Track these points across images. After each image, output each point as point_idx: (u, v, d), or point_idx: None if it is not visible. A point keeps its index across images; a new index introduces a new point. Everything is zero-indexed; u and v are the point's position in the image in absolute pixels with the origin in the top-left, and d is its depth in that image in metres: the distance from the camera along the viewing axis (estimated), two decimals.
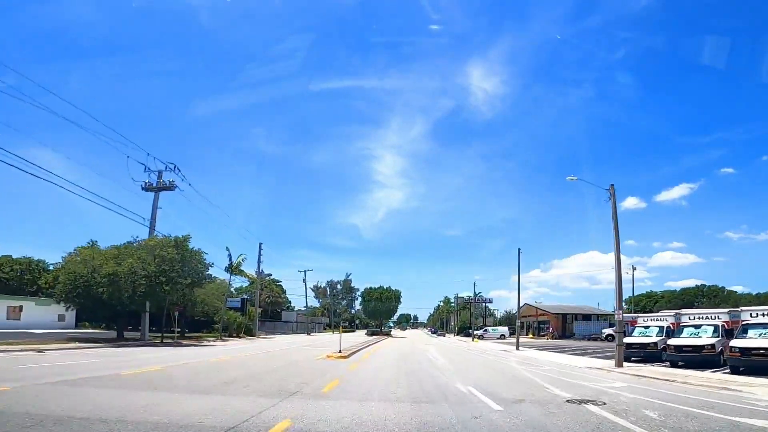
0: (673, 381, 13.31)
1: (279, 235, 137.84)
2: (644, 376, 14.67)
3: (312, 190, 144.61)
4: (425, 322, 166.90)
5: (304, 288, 71.31)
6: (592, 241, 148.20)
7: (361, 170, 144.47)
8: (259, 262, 54.28)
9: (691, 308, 51.37)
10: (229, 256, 42.19)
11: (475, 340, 53.95)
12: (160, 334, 30.77)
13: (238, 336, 44.38)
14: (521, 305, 69.23)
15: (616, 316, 18.54)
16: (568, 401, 8.41)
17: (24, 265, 46.99)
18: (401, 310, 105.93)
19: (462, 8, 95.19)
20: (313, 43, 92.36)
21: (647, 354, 19.81)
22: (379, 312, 77.74)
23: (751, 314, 18.65)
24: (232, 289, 62.54)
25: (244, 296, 62.74)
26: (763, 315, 18.06)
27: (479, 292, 74.72)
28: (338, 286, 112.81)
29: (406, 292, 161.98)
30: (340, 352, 19.37)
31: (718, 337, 17.13)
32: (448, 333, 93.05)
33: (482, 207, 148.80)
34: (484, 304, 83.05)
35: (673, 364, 17.64)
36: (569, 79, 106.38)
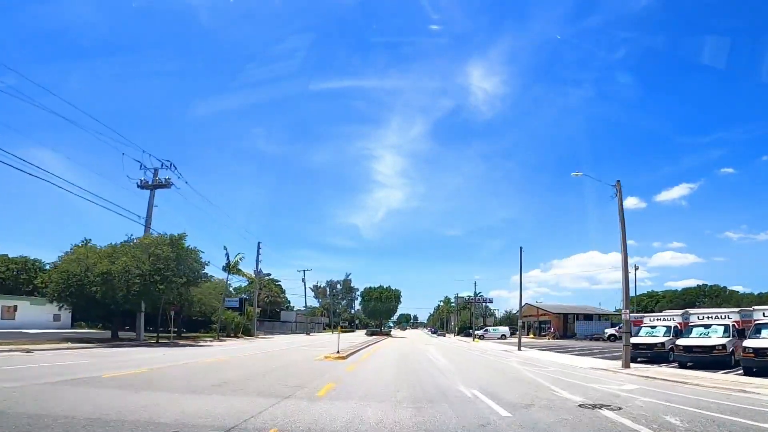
0: (685, 383, 12.75)
1: (279, 235, 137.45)
2: (654, 378, 14.11)
3: (312, 190, 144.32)
4: (425, 322, 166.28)
5: (304, 288, 70.80)
6: (592, 241, 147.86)
7: (361, 170, 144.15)
8: (257, 261, 53.73)
9: (693, 308, 50.91)
10: (227, 255, 41.68)
11: (476, 340, 53.40)
12: (155, 334, 30.20)
13: (236, 336, 43.82)
14: (522, 305, 68.77)
15: (623, 315, 17.98)
16: (580, 406, 7.85)
17: (20, 265, 46.46)
18: (401, 310, 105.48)
19: (462, 8, 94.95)
20: (313, 43, 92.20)
21: (654, 354, 19.23)
22: (378, 312, 77.15)
23: (764, 313, 18.08)
24: (231, 289, 62.12)
25: (243, 296, 62.20)
26: None
27: (479, 292, 74.30)
28: (338, 286, 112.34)
29: (406, 292, 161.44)
30: (338, 352, 18.80)
31: (728, 337, 16.57)
32: (448, 333, 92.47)
33: (482, 207, 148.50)
34: (484, 304, 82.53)
35: (682, 365, 17.08)
36: (569, 79, 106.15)
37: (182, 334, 39.38)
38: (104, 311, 29.14)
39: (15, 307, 38.00)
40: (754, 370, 13.90)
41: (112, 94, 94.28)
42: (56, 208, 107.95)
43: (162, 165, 31.81)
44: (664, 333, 20.13)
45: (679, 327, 21.00)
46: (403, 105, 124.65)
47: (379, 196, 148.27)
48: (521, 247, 34.14)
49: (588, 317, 64.60)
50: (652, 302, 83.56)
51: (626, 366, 17.25)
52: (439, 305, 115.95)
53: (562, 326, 62.63)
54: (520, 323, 36.31)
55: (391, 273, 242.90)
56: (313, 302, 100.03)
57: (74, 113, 34.43)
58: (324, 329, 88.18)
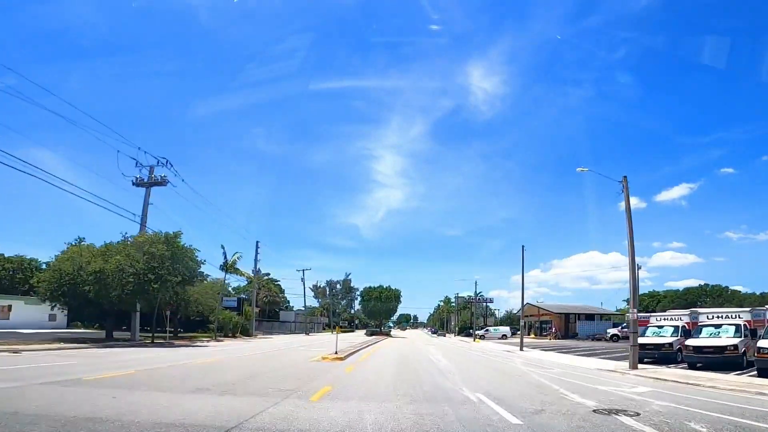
0: (698, 385, 12.19)
1: (279, 235, 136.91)
2: (665, 380, 13.55)
3: (312, 190, 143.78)
4: (425, 322, 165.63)
5: (303, 287, 70.23)
6: (592, 241, 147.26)
7: (361, 170, 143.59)
8: (256, 260, 53.19)
9: (695, 308, 50.27)
10: (224, 254, 41.09)
11: (477, 340, 52.84)
12: (151, 335, 29.64)
13: (233, 336, 43.26)
14: (523, 305, 68.19)
15: (630, 314, 17.42)
16: (594, 411, 7.28)
17: (16, 264, 45.92)
18: (401, 309, 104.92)
19: (462, 8, 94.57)
20: (313, 43, 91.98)
21: (662, 355, 18.67)
22: (378, 312, 76.58)
23: None
24: (230, 289, 61.55)
25: (242, 296, 61.61)
26: None
27: (480, 292, 73.68)
28: (338, 286, 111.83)
29: (406, 292, 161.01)
30: (336, 353, 18.20)
31: (740, 337, 16.00)
32: (448, 333, 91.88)
33: (482, 207, 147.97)
34: (484, 303, 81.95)
35: (692, 366, 16.52)
36: (569, 79, 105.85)
37: (179, 335, 38.80)
38: (98, 311, 28.53)
39: (9, 307, 37.43)
40: None
41: (112, 94, 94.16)
42: (55, 208, 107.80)
43: (158, 162, 31.20)
44: (672, 333, 19.56)
45: (687, 327, 20.44)
46: (403, 105, 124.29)
47: (379, 196, 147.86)
48: (523, 246, 33.64)
49: (589, 317, 64.04)
50: (653, 302, 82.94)
51: (634, 367, 16.70)
52: (439, 305, 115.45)
53: (564, 326, 62.04)
54: (522, 323, 35.71)
55: (391, 273, 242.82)
56: (313, 302, 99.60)
57: (71, 112, 34.43)
58: (324, 329, 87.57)
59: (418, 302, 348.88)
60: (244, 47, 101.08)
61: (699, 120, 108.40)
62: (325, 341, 36.57)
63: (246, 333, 47.71)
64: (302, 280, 68.26)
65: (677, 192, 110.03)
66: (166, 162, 31.26)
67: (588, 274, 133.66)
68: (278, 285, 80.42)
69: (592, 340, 49.88)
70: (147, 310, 30.26)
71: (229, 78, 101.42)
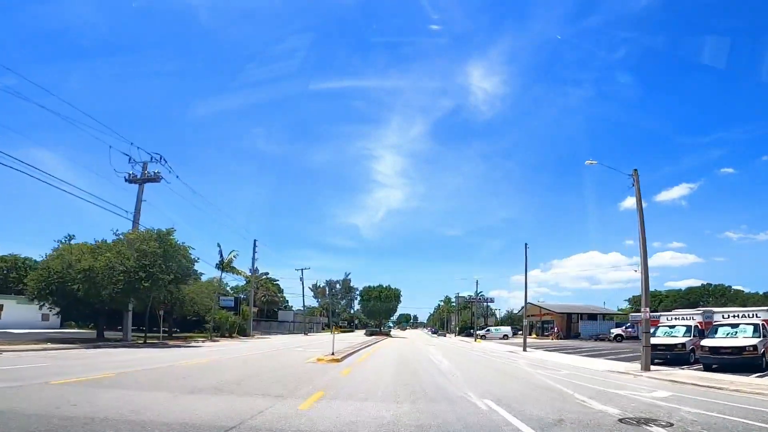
0: (721, 388, 11.36)
1: (279, 235, 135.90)
2: (683, 382, 12.71)
3: (312, 190, 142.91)
4: (425, 322, 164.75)
5: (302, 287, 69.40)
6: (591, 241, 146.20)
7: (361, 170, 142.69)
8: (253, 259, 52.43)
9: (696, 308, 49.48)
10: (220, 252, 40.23)
11: (478, 340, 52.01)
12: (143, 335, 28.82)
13: (230, 336, 42.42)
14: (524, 305, 67.28)
15: (642, 314, 16.59)
16: (620, 421, 6.44)
17: (9, 263, 45.12)
18: (401, 309, 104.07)
19: (462, 8, 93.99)
20: (313, 43, 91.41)
21: (674, 356, 17.82)
22: (378, 311, 75.70)
23: None
24: (228, 288, 60.69)
25: (241, 295, 60.74)
26: None
27: (480, 292, 72.79)
28: (337, 286, 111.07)
29: (406, 292, 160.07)
30: (332, 354, 17.34)
31: (759, 337, 15.16)
32: (448, 333, 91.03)
33: (482, 207, 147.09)
34: (485, 303, 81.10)
35: (707, 368, 15.68)
36: (569, 79, 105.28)
37: (173, 335, 37.96)
38: (89, 310, 27.70)
39: (1, 307, 36.60)
40: None
41: (112, 94, 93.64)
42: (52, 207, 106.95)
43: (151, 158, 30.37)
44: (684, 333, 18.72)
45: (700, 327, 19.60)
46: (403, 105, 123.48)
47: (379, 196, 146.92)
48: (526, 244, 32.82)
49: (592, 317, 63.18)
50: (655, 302, 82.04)
51: (646, 369, 15.87)
52: (439, 305, 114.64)
53: (566, 326, 61.18)
54: (525, 323, 34.84)
55: (391, 273, 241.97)
56: (312, 302, 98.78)
57: (67, 110, 33.55)
58: (323, 329, 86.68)
59: (418, 302, 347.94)
60: (244, 47, 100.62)
61: (699, 120, 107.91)
62: (324, 341, 35.68)
63: (243, 333, 46.88)
64: (301, 279, 67.56)
65: (677, 192, 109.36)
66: (160, 158, 30.45)
67: (588, 274, 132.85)
68: (277, 284, 79.53)
69: (596, 340, 49.01)
70: (140, 309, 29.43)
71: (229, 78, 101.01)
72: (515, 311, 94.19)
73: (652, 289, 64.55)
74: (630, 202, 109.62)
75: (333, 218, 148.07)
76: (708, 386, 11.89)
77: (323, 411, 6.59)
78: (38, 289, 24.15)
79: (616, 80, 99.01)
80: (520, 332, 66.75)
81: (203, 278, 42.94)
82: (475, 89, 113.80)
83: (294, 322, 75.58)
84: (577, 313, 63.42)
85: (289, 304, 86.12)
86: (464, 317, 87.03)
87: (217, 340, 35.78)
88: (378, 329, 74.35)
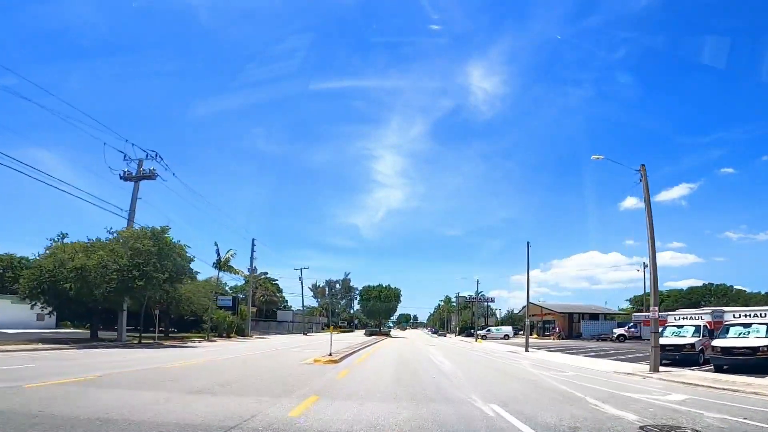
0: (737, 391, 10.81)
1: (279, 235, 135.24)
2: (696, 384, 12.15)
3: (312, 190, 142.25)
4: (425, 321, 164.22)
5: (301, 286, 68.85)
6: (592, 241, 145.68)
7: (361, 170, 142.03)
8: (252, 258, 51.91)
9: (699, 307, 48.94)
10: (217, 251, 39.64)
11: (479, 340, 51.47)
12: (138, 334, 28.25)
13: (228, 336, 41.86)
14: (525, 304, 66.63)
15: (651, 313, 16.03)
16: (642, 429, 5.88)
17: (5, 262, 44.47)
18: (401, 309, 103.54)
19: (462, 8, 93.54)
20: (313, 43, 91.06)
21: (682, 357, 17.26)
22: (378, 311, 75.11)
23: None
24: (227, 288, 60.11)
25: (239, 295, 60.13)
26: None
27: (481, 291, 72.20)
28: (337, 286, 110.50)
29: (406, 292, 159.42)
30: (330, 355, 16.77)
31: None
32: (448, 333, 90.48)
33: (482, 207, 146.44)
34: (486, 303, 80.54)
35: (718, 369, 15.14)
36: (569, 79, 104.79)
37: (170, 335, 37.41)
38: (82, 309, 27.14)
39: None
40: None
41: (112, 94, 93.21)
42: (52, 207, 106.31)
43: (147, 155, 29.84)
44: (693, 333, 18.16)
45: (709, 327, 19.04)
46: (403, 105, 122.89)
47: (379, 196, 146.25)
48: (528, 242, 32.19)
49: (593, 317, 62.58)
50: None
51: (655, 370, 15.31)
52: (439, 305, 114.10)
53: (567, 326, 60.62)
54: (527, 322, 34.28)
55: (391, 273, 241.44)
56: (312, 302, 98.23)
57: (62, 107, 32.69)
58: (322, 329, 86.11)
59: (418, 302, 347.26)
60: (244, 47, 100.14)
61: (699, 120, 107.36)
62: (322, 341, 35.11)
63: (241, 333, 46.33)
64: (300, 279, 67.01)
65: (677, 192, 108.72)
66: (156, 155, 29.91)
67: (588, 274, 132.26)
68: (276, 284, 78.94)
69: (598, 340, 48.47)
70: (135, 309, 28.87)
71: (229, 78, 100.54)
72: (515, 311, 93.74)
73: (646, 289, 64.04)
74: (630, 202, 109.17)
75: (333, 218, 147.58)
76: (723, 388, 11.34)
77: (315, 418, 6.02)
78: (30, 288, 23.58)
79: (616, 80, 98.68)
80: (521, 332, 66.24)
81: (201, 278, 42.46)
82: (475, 89, 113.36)
83: (293, 322, 75.00)
84: (579, 313, 62.84)
85: (289, 304, 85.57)
86: (464, 317, 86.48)
87: (215, 341, 35.23)
88: (378, 329, 73.76)
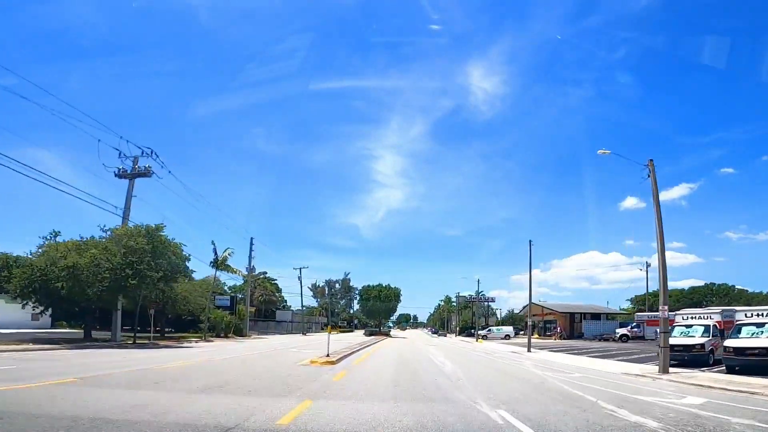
0: (755, 393, 10.26)
1: (279, 235, 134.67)
2: (710, 386, 11.59)
3: (312, 190, 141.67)
4: (425, 321, 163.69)
5: (300, 286, 68.29)
6: (591, 241, 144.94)
7: (361, 170, 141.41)
8: (250, 257, 51.33)
9: (701, 307, 48.35)
10: (214, 249, 39.07)
11: (479, 340, 50.93)
12: (132, 334, 27.69)
13: (226, 336, 41.30)
14: (526, 304, 66.00)
15: (660, 312, 15.48)
16: None
17: (1, 261, 43.94)
18: (401, 309, 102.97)
19: (462, 8, 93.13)
20: (313, 43, 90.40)
21: (692, 357, 16.70)
22: (377, 311, 74.53)
23: None
24: (225, 288, 59.53)
25: (238, 295, 59.59)
26: None
27: (481, 291, 71.64)
28: (337, 286, 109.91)
29: (406, 292, 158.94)
30: (327, 356, 16.20)
31: None
32: (449, 333, 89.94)
33: (482, 207, 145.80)
34: (486, 303, 80.00)
35: (730, 370, 14.58)
36: (569, 79, 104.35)
37: (167, 335, 36.88)
38: (75, 309, 26.56)
39: None
40: None
41: (112, 94, 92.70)
42: (52, 207, 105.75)
43: (142, 153, 29.28)
44: (703, 333, 17.59)
45: (719, 326, 18.49)
46: (403, 105, 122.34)
47: (379, 196, 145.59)
48: (530, 240, 31.66)
49: (595, 317, 62.02)
50: (657, 302, 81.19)
51: (664, 371, 14.75)
52: (439, 305, 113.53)
53: (569, 326, 60.05)
54: (529, 322, 33.74)
55: (391, 273, 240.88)
56: (312, 302, 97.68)
57: (64, 108, 32.11)
58: (322, 329, 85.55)
59: (418, 302, 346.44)
60: (244, 47, 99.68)
61: (699, 120, 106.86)
62: (321, 342, 34.57)
63: (240, 333, 45.79)
64: (299, 278, 66.34)
65: (677, 192, 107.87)
66: (151, 152, 29.37)
67: (588, 274, 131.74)
68: (275, 284, 78.33)
69: (600, 340, 47.91)
70: (130, 308, 28.34)
71: (229, 78, 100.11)
72: (516, 311, 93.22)
73: (654, 288, 63.63)
74: (630, 201, 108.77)
75: (333, 218, 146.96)
76: (739, 390, 10.78)
77: (306, 428, 5.45)
78: (21, 287, 23.04)
79: (616, 80, 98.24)
80: (522, 332, 65.70)
81: (199, 277, 41.93)
82: (475, 89, 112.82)
83: (292, 321, 74.45)
84: (580, 313, 62.26)
85: (288, 303, 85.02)
86: (465, 317, 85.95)
87: (212, 341, 34.69)
88: (377, 329, 73.20)
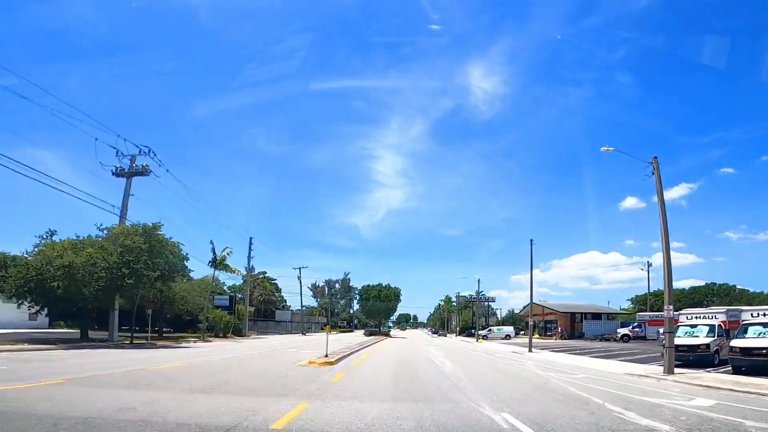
0: (765, 394, 10.01)
1: (279, 235, 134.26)
2: (717, 387, 11.32)
3: (312, 190, 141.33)
4: (425, 321, 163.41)
5: (299, 286, 67.98)
6: (591, 241, 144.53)
7: (361, 170, 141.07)
8: (249, 257, 51.04)
9: (701, 307, 48.01)
10: (213, 249, 38.78)
11: (480, 340, 50.65)
12: (129, 334, 27.40)
13: (224, 336, 41.01)
14: (526, 304, 65.72)
15: (665, 312, 15.21)
16: None
17: None
18: (401, 309, 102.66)
19: (462, 8, 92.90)
20: (313, 43, 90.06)
21: (696, 358, 16.43)
22: (377, 311, 74.21)
23: None
24: (225, 287, 59.26)
25: (238, 295, 59.30)
26: None
27: (482, 291, 71.36)
28: (336, 285, 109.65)
29: (406, 292, 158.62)
30: (326, 356, 15.91)
31: None
32: (449, 333, 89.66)
33: (482, 207, 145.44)
34: (487, 303, 79.74)
35: (736, 370, 14.33)
36: (569, 79, 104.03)
37: (165, 335, 36.61)
38: (71, 308, 26.29)
39: None
40: None
41: (112, 94, 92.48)
42: (52, 207, 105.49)
43: (140, 151, 28.99)
44: (708, 333, 17.31)
45: (723, 326, 18.21)
46: (403, 105, 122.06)
47: (378, 196, 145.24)
48: (531, 240, 31.38)
49: (596, 316, 61.74)
50: (658, 301, 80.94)
51: (670, 372, 14.49)
52: (439, 304, 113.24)
53: (569, 326, 59.77)
54: (530, 322, 33.45)
55: (391, 273, 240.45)
56: (312, 302, 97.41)
57: (63, 107, 31.93)
58: (322, 329, 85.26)
59: (418, 302, 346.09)
60: (244, 47, 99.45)
61: (699, 120, 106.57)
62: (320, 342, 34.26)
63: (239, 333, 45.51)
64: (299, 278, 66.09)
65: (677, 192, 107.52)
66: (149, 150, 29.09)
67: (588, 274, 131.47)
68: (274, 284, 78.02)
69: (601, 340, 47.62)
70: (128, 308, 28.06)
71: (229, 78, 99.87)
72: (516, 311, 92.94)
73: (655, 288, 63.39)
74: (630, 201, 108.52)
75: (333, 218, 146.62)
76: (748, 392, 10.52)
77: (304, 428, 5.17)
78: (16, 286, 22.77)
79: (616, 80, 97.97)
80: (522, 332, 65.43)
81: (198, 276, 41.67)
82: (475, 89, 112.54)
83: (292, 321, 74.16)
84: (581, 313, 61.98)
85: (288, 303, 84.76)
86: (465, 317, 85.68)
87: (210, 341, 34.39)
88: (377, 329, 72.90)
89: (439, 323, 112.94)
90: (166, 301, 32.93)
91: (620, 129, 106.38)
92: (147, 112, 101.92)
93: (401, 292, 74.29)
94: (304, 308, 79.87)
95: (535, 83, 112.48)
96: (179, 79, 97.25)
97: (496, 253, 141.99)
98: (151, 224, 24.64)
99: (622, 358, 22.38)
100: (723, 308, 21.39)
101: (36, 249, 24.76)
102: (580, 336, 55.37)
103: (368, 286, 75.09)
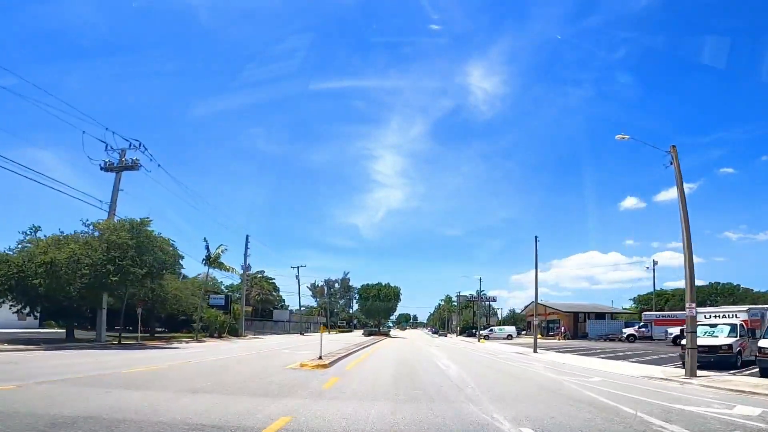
0: None
1: (278, 234, 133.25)
2: (752, 392, 10.22)
3: (312, 190, 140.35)
4: (425, 321, 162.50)
5: (298, 285, 66.87)
6: (591, 241, 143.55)
7: (361, 170, 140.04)
8: (245, 255, 49.99)
9: (704, 307, 46.98)
10: (207, 246, 37.63)
11: (481, 340, 49.58)
12: (118, 334, 26.28)
13: (220, 336, 39.89)
14: (528, 304, 64.70)
15: (687, 310, 14.14)
16: None
17: None
18: (401, 309, 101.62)
19: (462, 8, 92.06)
20: (313, 43, 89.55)
21: (718, 359, 15.37)
22: (377, 311, 73.12)
23: None
24: (222, 287, 58.14)
25: (236, 294, 58.15)
26: None
27: (482, 290, 70.27)
28: (336, 285, 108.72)
29: (406, 292, 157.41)
30: (320, 358, 14.78)
31: None
32: (449, 333, 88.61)
33: (482, 207, 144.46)
34: (487, 303, 78.70)
35: (764, 373, 13.27)
36: (569, 79, 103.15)
37: (158, 335, 35.49)
38: (56, 307, 25.13)
39: None
40: None
41: (112, 94, 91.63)
42: (52, 205, 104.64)
43: (130, 145, 27.92)
44: (729, 333, 16.25)
45: (745, 326, 17.13)
46: (403, 105, 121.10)
47: (378, 196, 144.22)
48: (536, 236, 30.36)
49: (599, 316, 60.69)
50: (661, 301, 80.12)
51: (692, 374, 13.39)
52: (440, 304, 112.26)
53: (572, 326, 58.72)
54: (535, 322, 32.31)
55: (390, 273, 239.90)
56: (311, 301, 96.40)
57: (60, 106, 30.96)
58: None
59: (418, 302, 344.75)
60: (244, 47, 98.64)
61: (699, 120, 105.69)
62: (319, 342, 33.23)
63: (235, 333, 44.41)
64: (297, 277, 65.00)
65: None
66: (140, 144, 28.00)
67: (588, 274, 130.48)
68: (272, 283, 76.96)
69: (605, 340, 46.55)
70: (117, 306, 26.95)
71: (229, 78, 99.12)
72: (517, 311, 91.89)
73: (659, 287, 62.25)
74: (630, 201, 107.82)
75: (333, 218, 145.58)
76: None
77: None
78: None
79: (616, 80, 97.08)
80: (524, 332, 64.38)
81: (194, 275, 40.58)
82: (475, 89, 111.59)
83: (290, 321, 73.09)
84: (584, 313, 60.93)
85: (286, 303, 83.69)
86: (465, 317, 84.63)
87: (204, 341, 33.27)
88: (377, 329, 71.81)
89: (440, 323, 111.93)
90: (158, 300, 31.82)
91: (620, 129, 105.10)
92: (147, 112, 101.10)
93: (401, 292, 73.33)
94: (302, 308, 78.83)
95: (535, 83, 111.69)
96: (179, 79, 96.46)
97: (496, 253, 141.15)
98: (138, 219, 23.52)
99: (632, 360, 21.30)
100: (744, 307, 20.36)
101: (20, 246, 23.64)
102: (584, 336, 54.29)
103: (368, 285, 74.00)
